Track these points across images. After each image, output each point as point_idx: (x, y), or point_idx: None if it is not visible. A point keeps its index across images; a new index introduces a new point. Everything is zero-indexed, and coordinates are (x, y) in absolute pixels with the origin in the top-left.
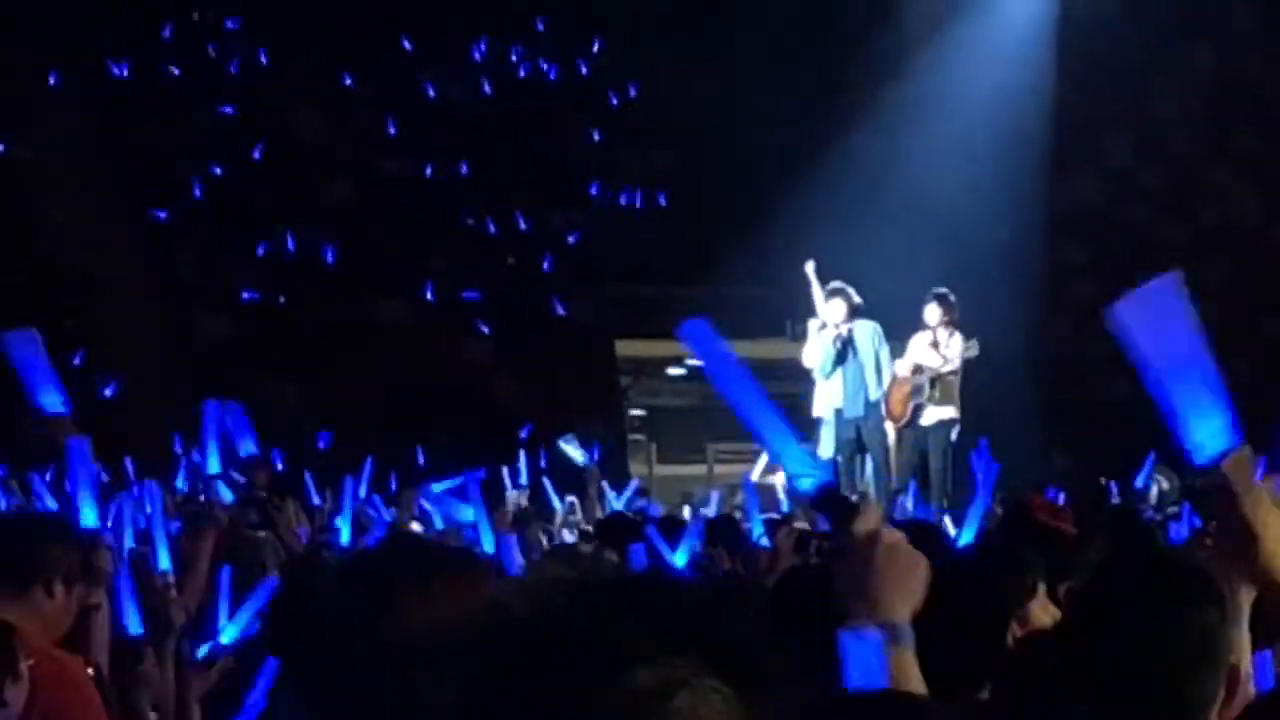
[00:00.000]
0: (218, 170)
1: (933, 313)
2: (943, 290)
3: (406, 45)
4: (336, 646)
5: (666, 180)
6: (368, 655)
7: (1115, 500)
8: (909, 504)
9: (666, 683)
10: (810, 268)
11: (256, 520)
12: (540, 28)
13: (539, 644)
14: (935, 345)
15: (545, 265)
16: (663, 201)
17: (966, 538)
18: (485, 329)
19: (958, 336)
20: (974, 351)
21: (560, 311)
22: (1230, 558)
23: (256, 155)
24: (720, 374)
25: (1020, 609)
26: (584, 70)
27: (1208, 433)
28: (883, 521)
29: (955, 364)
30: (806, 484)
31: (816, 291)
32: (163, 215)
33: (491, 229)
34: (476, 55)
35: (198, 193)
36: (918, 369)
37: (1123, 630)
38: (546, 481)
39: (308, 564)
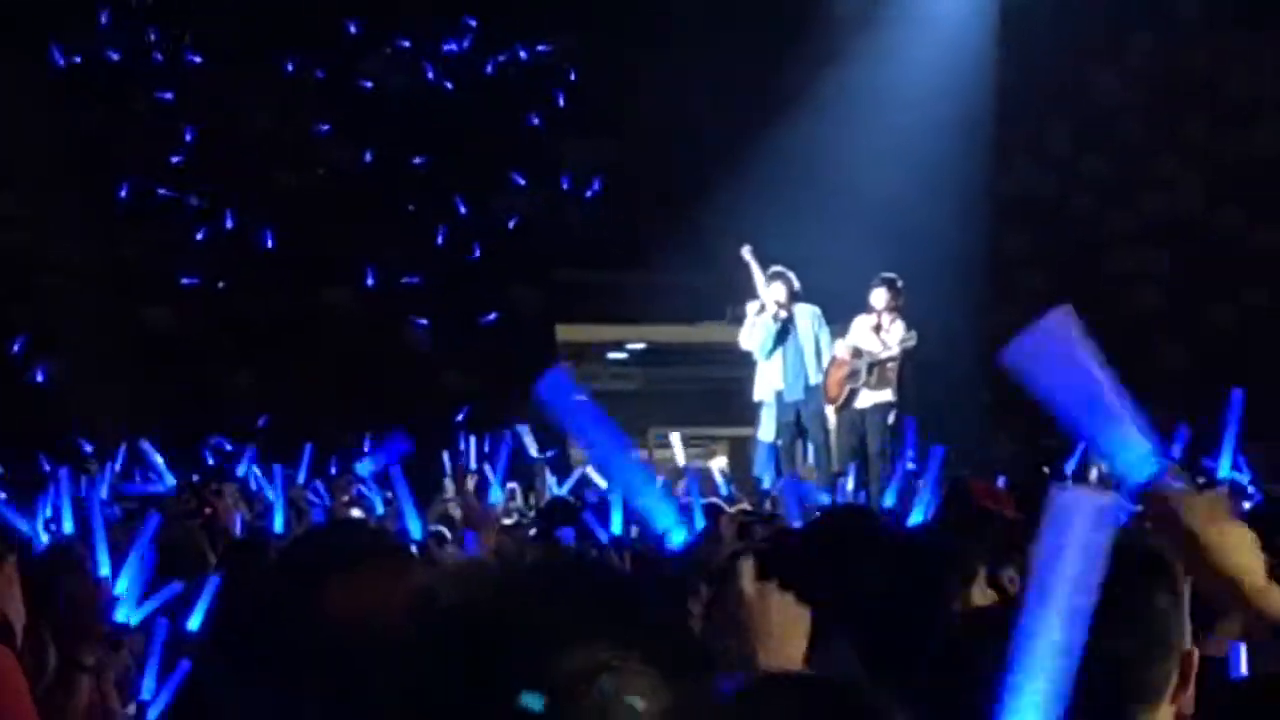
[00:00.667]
0: (160, 157)
1: (879, 296)
2: (891, 275)
3: (351, 30)
4: (269, 634)
5: (605, 166)
6: (299, 642)
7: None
8: (849, 486)
9: (590, 667)
10: (747, 251)
11: (195, 507)
12: (480, 15)
13: (464, 633)
14: (877, 329)
15: (485, 251)
16: (601, 187)
17: (915, 519)
18: (425, 315)
19: (900, 324)
20: (912, 342)
21: (500, 297)
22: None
23: (198, 142)
24: (582, 425)
25: (961, 593)
26: (523, 57)
27: (1131, 460)
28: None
29: (894, 351)
30: (678, 539)
31: (757, 274)
32: (106, 202)
33: (432, 216)
34: (417, 43)
35: (139, 180)
36: (856, 352)
37: None
38: (488, 468)
39: (244, 552)
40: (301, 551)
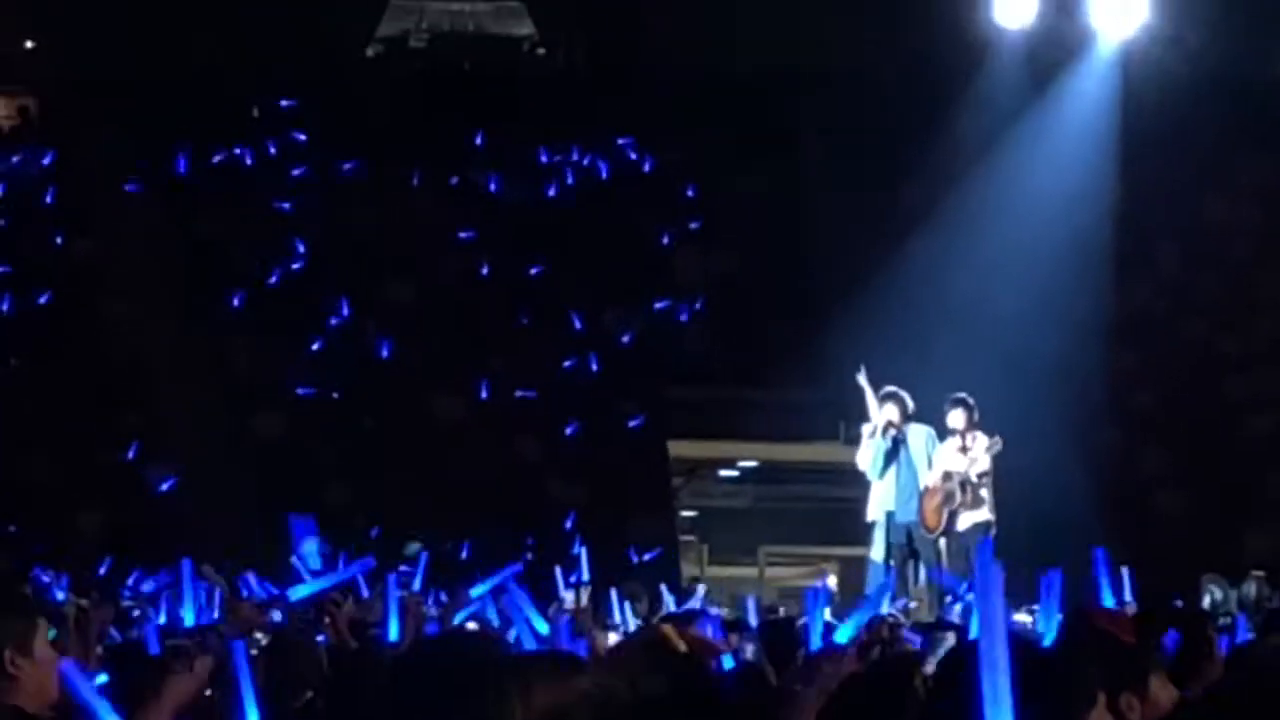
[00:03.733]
0: (276, 266)
1: (957, 418)
2: (962, 395)
3: (467, 144)
4: None
5: (721, 283)
6: None
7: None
8: (958, 609)
9: None
10: (862, 376)
11: (314, 617)
12: (596, 128)
13: None
14: (964, 450)
15: (599, 366)
16: (716, 303)
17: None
18: (538, 429)
19: (982, 437)
20: (997, 447)
21: (613, 412)
22: None
23: (313, 252)
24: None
25: (1083, 718)
26: (644, 170)
27: None
28: None
29: (984, 465)
30: None
31: (869, 397)
32: (221, 310)
33: (546, 329)
34: (537, 156)
35: (254, 289)
36: (947, 476)
37: None
38: (613, 590)
39: (361, 663)
40: (446, 663)
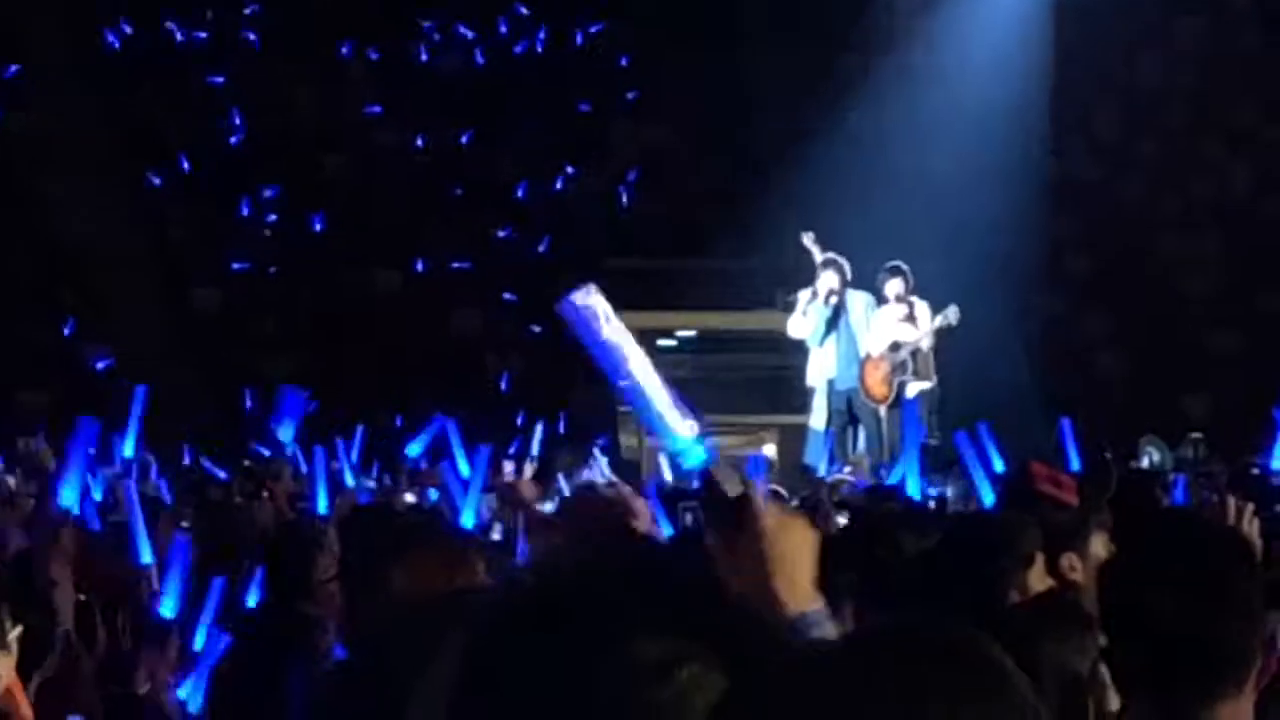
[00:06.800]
0: (210, 141)
1: (896, 286)
2: (896, 263)
3: (400, 16)
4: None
5: (657, 152)
6: (368, 615)
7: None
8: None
9: (670, 658)
10: (809, 239)
11: (252, 489)
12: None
13: (545, 610)
14: (910, 319)
15: (535, 237)
16: (653, 173)
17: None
18: (474, 301)
19: (924, 305)
20: (955, 318)
21: (550, 283)
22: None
23: (248, 125)
24: (602, 349)
25: (1018, 577)
26: (578, 42)
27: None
28: (764, 511)
29: (931, 337)
30: (693, 461)
31: (818, 260)
32: (156, 185)
33: (482, 201)
34: (470, 26)
35: (189, 163)
36: (894, 346)
37: (1169, 595)
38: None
39: (292, 533)
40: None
